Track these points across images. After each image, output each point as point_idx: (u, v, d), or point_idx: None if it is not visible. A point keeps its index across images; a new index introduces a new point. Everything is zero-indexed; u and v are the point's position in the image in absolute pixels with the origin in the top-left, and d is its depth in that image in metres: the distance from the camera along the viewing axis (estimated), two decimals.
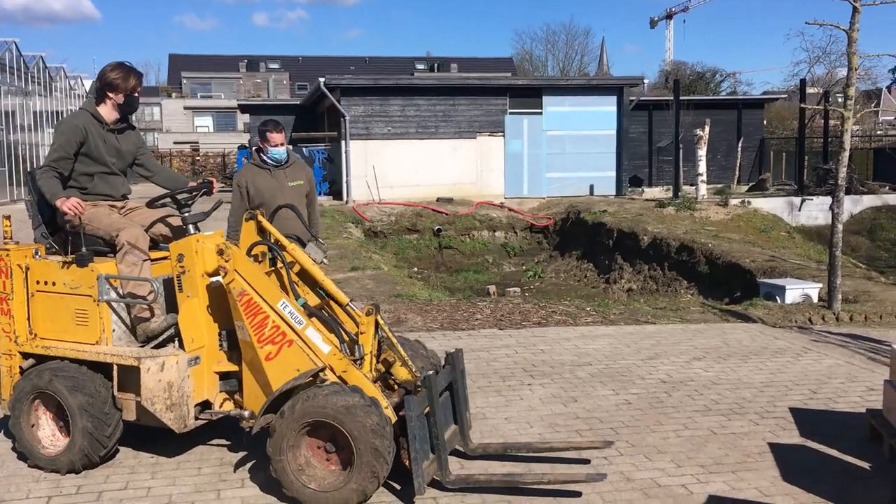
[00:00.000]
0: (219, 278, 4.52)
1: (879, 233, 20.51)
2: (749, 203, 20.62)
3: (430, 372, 4.39)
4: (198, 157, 51.35)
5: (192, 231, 4.68)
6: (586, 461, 4.78)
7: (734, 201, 20.56)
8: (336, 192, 24.33)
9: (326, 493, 4.12)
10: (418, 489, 4.10)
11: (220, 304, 4.62)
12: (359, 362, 4.42)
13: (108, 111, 4.88)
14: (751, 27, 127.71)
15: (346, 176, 23.10)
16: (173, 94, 67.24)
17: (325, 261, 5.00)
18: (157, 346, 4.68)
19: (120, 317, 4.71)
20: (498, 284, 16.92)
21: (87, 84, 36.55)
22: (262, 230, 4.75)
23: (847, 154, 9.97)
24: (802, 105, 19.87)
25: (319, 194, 23.58)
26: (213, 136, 60.51)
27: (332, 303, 4.74)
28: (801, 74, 29.61)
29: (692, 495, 4.38)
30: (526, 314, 9.30)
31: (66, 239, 4.84)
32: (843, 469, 4.80)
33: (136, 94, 4.91)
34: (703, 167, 21.55)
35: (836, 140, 13.63)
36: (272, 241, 4.70)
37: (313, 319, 4.48)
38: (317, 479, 4.16)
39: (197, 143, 57.73)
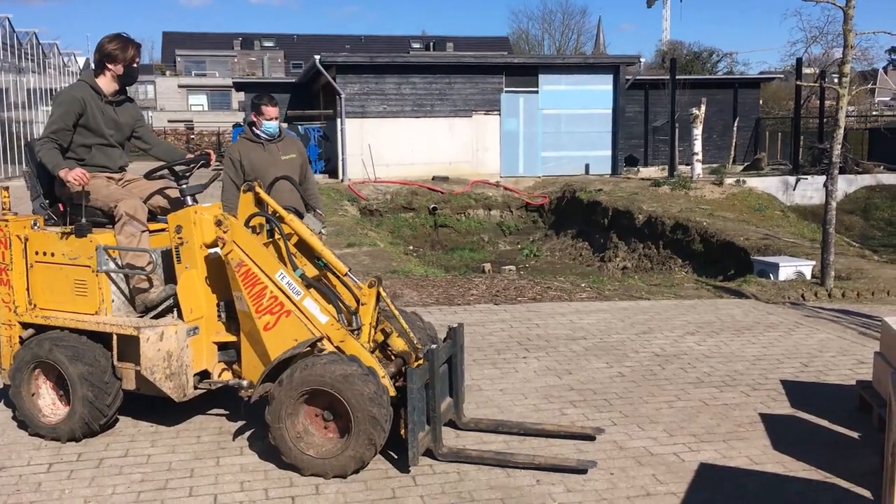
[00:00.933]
0: (217, 249, 4.55)
1: (873, 212, 20.63)
2: (744, 182, 20.67)
3: (433, 345, 4.44)
4: (192, 136, 51.15)
5: (190, 202, 4.71)
6: (591, 437, 4.77)
7: (729, 180, 20.61)
8: (332, 171, 24.31)
9: (324, 460, 4.18)
10: (412, 459, 4.17)
11: (219, 275, 4.66)
12: (356, 332, 4.46)
13: (107, 83, 4.88)
14: (748, 7, 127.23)
15: (342, 154, 23.07)
16: (167, 73, 66.88)
17: (323, 232, 5.05)
18: (156, 317, 4.72)
19: (119, 287, 4.75)
20: (493, 263, 16.99)
21: (81, 61, 36.38)
22: (259, 201, 4.78)
23: (842, 132, 10.01)
24: (798, 83, 19.88)
25: (315, 173, 23.55)
26: (207, 114, 60.28)
27: (329, 274, 4.78)
28: (797, 54, 29.62)
29: (684, 462, 4.46)
30: (521, 290, 9.36)
31: (64, 210, 4.86)
32: (833, 439, 4.88)
33: (135, 65, 4.92)
34: (698, 146, 21.58)
35: (832, 120, 13.61)
36: (270, 212, 4.73)
37: (311, 290, 4.52)
38: (315, 447, 4.22)
39: (191, 121, 57.49)
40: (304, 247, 4.79)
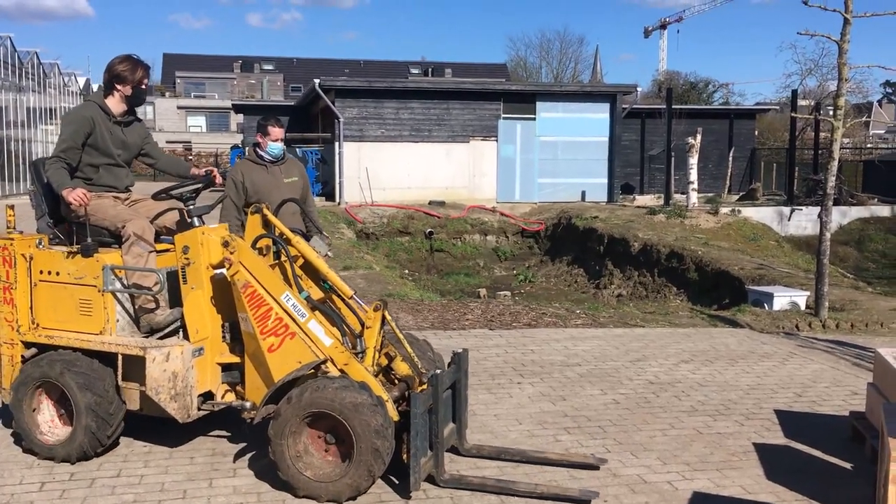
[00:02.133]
0: (222, 270, 4.57)
1: (867, 244, 20.72)
2: (739, 212, 20.77)
3: (438, 371, 4.42)
4: (190, 157, 51.25)
5: (197, 223, 4.71)
6: (595, 467, 4.74)
7: (724, 210, 20.72)
8: (329, 194, 24.39)
9: (320, 483, 4.17)
10: (414, 485, 4.15)
11: (223, 296, 4.67)
12: (360, 356, 4.46)
13: (115, 103, 4.93)
14: (744, 39, 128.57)
15: (339, 177, 23.16)
16: (167, 94, 67.16)
17: (329, 254, 5.04)
18: (160, 338, 4.72)
19: (124, 307, 4.74)
20: (489, 288, 16.99)
21: (81, 81, 36.59)
22: (266, 223, 4.78)
23: (836, 163, 10.11)
24: (793, 115, 20.05)
25: (313, 195, 23.63)
26: (205, 135, 60.50)
27: (334, 296, 4.79)
28: (792, 86, 29.84)
29: (677, 491, 4.46)
30: (516, 315, 9.38)
31: (70, 229, 4.87)
32: (826, 469, 4.89)
33: (143, 86, 4.96)
34: (694, 175, 21.72)
35: (827, 151, 13.73)
36: (277, 234, 4.74)
37: (316, 312, 4.52)
38: (313, 468, 4.21)
39: (189, 142, 57.68)
40: (308, 269, 4.81)
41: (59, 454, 4.63)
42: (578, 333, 8.57)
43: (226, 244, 4.50)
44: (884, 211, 22.27)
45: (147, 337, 4.74)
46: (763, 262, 15.38)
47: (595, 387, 6.49)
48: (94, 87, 39.93)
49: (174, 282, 4.75)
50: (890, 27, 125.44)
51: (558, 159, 24.68)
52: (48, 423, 4.74)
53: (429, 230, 21.01)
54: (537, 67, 69.78)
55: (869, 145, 41.69)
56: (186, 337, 4.66)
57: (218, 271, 4.62)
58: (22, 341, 4.82)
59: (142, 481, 4.47)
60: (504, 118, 24.26)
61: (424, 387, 4.40)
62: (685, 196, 21.95)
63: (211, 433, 5.21)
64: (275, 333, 4.42)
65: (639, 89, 27.90)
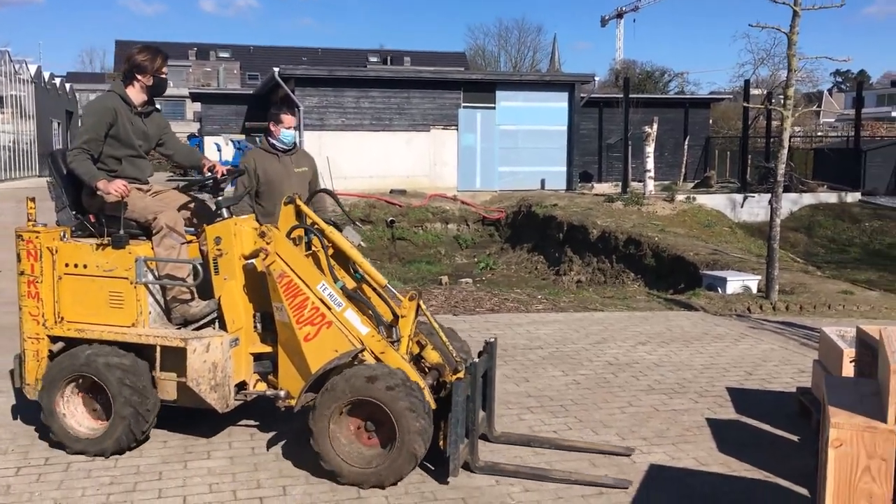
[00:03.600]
0: (252, 261, 4.62)
1: (817, 230, 21.34)
2: (694, 199, 21.25)
3: (476, 360, 4.50)
4: None
5: (226, 214, 4.72)
6: (625, 454, 4.82)
7: (680, 197, 21.17)
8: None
9: (364, 470, 4.23)
10: (453, 471, 4.23)
11: (253, 286, 4.71)
12: (395, 344, 4.52)
13: (136, 94, 4.86)
14: (699, 28, 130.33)
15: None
16: None
17: (362, 244, 5.06)
18: (195, 329, 4.74)
19: (155, 299, 4.74)
20: (450, 275, 17.18)
21: (32, 69, 35.76)
22: (298, 214, 4.81)
23: (786, 151, 10.46)
24: (746, 104, 20.56)
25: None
26: None
27: (365, 286, 4.83)
28: (745, 75, 30.55)
29: (635, 464, 4.69)
30: (479, 301, 9.58)
31: (98, 221, 4.77)
32: (774, 441, 5.17)
33: (164, 76, 4.90)
34: (650, 164, 22.13)
35: (778, 139, 14.16)
36: (309, 224, 4.77)
37: (351, 302, 4.56)
38: (356, 456, 4.27)
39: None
40: (338, 258, 4.83)
41: (92, 448, 4.59)
42: (540, 318, 8.79)
43: (262, 234, 4.50)
44: (832, 198, 22.94)
45: (179, 328, 4.73)
46: (717, 247, 15.80)
47: (557, 368, 6.71)
48: (46, 76, 39.11)
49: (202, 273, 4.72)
50: (839, 17, 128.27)
51: (518, 148, 24.93)
52: (80, 416, 4.69)
53: (390, 219, 21.11)
54: (496, 56, 70.15)
55: (819, 133, 42.70)
56: (222, 327, 4.69)
57: (249, 261, 4.65)
58: (48, 336, 4.74)
59: (117, 464, 4.56)
60: (464, 107, 24.42)
61: (461, 375, 4.43)
62: (642, 184, 22.37)
63: (184, 419, 5.30)
64: (311, 323, 4.45)
65: (596, 78, 28.24)
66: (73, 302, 4.71)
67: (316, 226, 4.78)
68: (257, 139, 24.13)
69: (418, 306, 4.63)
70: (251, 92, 30.77)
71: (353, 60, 64.58)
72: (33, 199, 4.83)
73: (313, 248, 4.79)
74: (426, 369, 4.64)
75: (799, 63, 10.52)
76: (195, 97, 33.96)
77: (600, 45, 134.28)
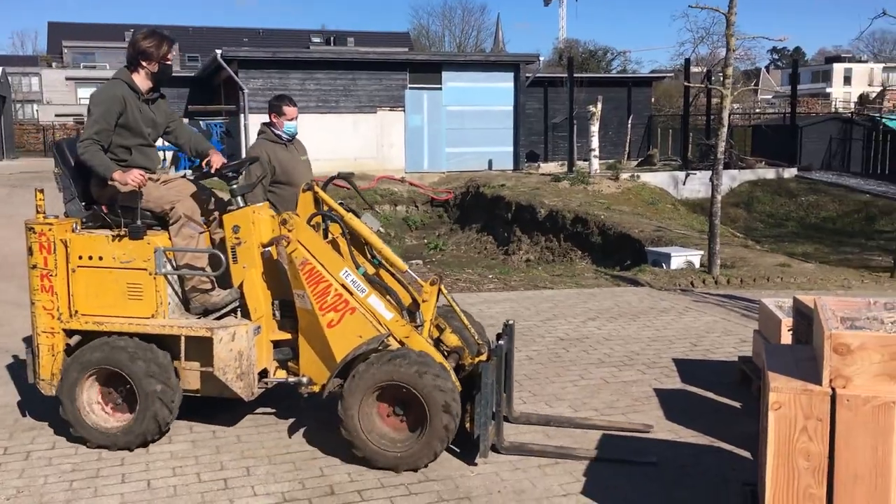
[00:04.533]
0: (269, 249, 4.63)
1: (756, 205, 21.97)
2: (638, 177, 21.66)
3: (501, 342, 4.55)
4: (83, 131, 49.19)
5: (241, 202, 4.68)
6: (644, 431, 4.91)
7: (624, 175, 21.56)
8: None
9: (396, 454, 4.28)
10: (483, 452, 4.31)
11: (271, 273, 4.71)
12: (419, 328, 4.55)
13: (141, 80, 4.75)
14: (640, 7, 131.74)
15: (246, 150, 22.85)
16: (53, 64, 63.96)
17: (381, 229, 5.02)
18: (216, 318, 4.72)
19: (174, 289, 4.69)
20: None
21: None
22: (316, 200, 4.82)
23: (726, 130, 10.78)
24: (686, 84, 20.99)
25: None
26: None
27: (383, 271, 4.85)
28: (686, 54, 31.13)
29: (587, 433, 4.88)
30: None
31: (113, 212, 4.66)
32: (718, 408, 5.41)
33: (169, 62, 4.80)
34: (595, 143, 22.45)
35: (718, 117, 14.53)
36: (326, 210, 4.78)
37: (374, 287, 4.59)
38: (388, 440, 4.32)
39: (81, 115, 55.22)
40: (354, 243, 4.83)
41: (118, 441, 4.55)
42: (491, 297, 8.96)
43: (284, 222, 4.51)
44: (770, 173, 23.61)
45: (199, 318, 4.71)
46: (661, 224, 16.19)
47: None
48: None
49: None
50: None
51: (465, 129, 25.03)
52: (102, 410, 4.64)
53: (339, 201, 21.01)
54: (440, 36, 69.90)
55: (757, 110, 43.75)
56: (244, 316, 4.68)
57: (266, 249, 4.64)
58: (64, 329, 4.66)
59: (78, 452, 4.57)
60: (411, 88, 24.40)
61: (482, 357, 4.50)
62: (587, 163, 22.69)
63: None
64: (334, 309, 4.46)
65: (541, 58, 28.46)
66: (88, 294, 4.60)
67: (332, 211, 4.77)
68: (201, 123, 23.79)
69: (439, 290, 4.66)
70: (192, 74, 30.16)
71: (296, 41, 63.63)
72: (42, 191, 4.67)
73: (331, 235, 4.78)
74: (446, 353, 4.66)
75: (737, 42, 10.83)
76: None
77: (543, 24, 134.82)
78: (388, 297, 4.69)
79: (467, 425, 4.40)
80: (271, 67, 23.15)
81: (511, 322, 4.84)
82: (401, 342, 4.46)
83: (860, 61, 73.46)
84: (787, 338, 5.23)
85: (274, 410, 5.22)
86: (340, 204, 4.87)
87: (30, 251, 4.60)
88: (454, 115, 24.91)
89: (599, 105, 22.61)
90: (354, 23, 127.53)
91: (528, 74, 26.10)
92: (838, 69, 71.12)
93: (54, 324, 4.64)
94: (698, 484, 4.20)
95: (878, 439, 3.03)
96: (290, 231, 4.51)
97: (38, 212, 4.63)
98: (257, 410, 5.22)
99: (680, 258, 11.61)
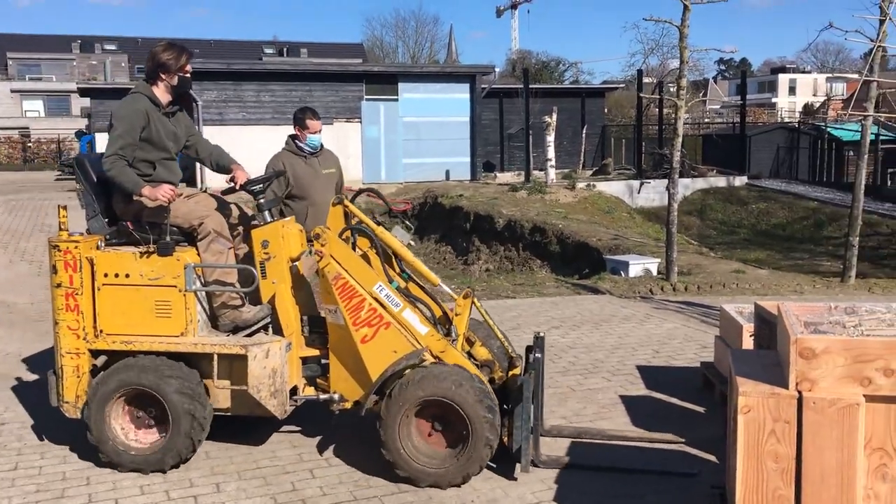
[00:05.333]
0: (295, 263, 4.56)
1: (709, 213, 22.40)
2: (594, 186, 21.93)
3: (537, 355, 4.51)
4: (29, 144, 48.02)
5: (269, 217, 4.62)
6: (679, 441, 4.88)
7: (580, 185, 21.80)
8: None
9: (439, 471, 4.22)
10: (524, 466, 4.26)
11: (298, 289, 4.65)
12: (454, 342, 4.50)
13: (161, 93, 4.66)
14: (590, 18, 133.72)
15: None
16: None
17: (412, 242, 4.93)
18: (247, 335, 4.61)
19: (202, 306, 4.58)
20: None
21: None
22: (345, 214, 4.76)
23: (680, 140, 11.00)
24: (640, 95, 21.34)
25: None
26: (44, 121, 56.74)
27: (410, 284, 4.79)
28: (637, 65, 31.56)
29: (557, 441, 4.92)
30: None
31: (140, 228, 4.55)
32: (682, 413, 5.51)
33: (188, 75, 4.72)
34: (551, 153, 22.69)
35: (670, 127, 14.87)
36: (356, 223, 4.70)
37: (408, 301, 4.53)
38: (431, 458, 4.25)
39: (27, 128, 53.99)
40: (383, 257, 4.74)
41: (149, 464, 4.41)
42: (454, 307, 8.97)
43: (317, 237, 4.43)
44: (722, 182, 24.10)
45: (228, 335, 4.61)
46: (618, 232, 16.41)
47: None
48: None
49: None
50: (723, 8, 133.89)
51: (422, 139, 25.09)
52: (132, 432, 4.51)
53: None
54: (394, 47, 69.95)
55: (707, 120, 44.65)
56: (276, 332, 4.60)
57: (294, 264, 4.56)
58: (89, 350, 4.52)
59: (41, 472, 4.48)
60: (367, 99, 24.39)
61: (516, 370, 4.46)
62: (544, 172, 22.91)
63: None
64: (368, 324, 4.39)
65: (496, 69, 28.69)
66: (115, 313, 4.46)
67: (361, 224, 4.70)
68: None
69: (472, 304, 4.62)
70: None
71: (248, 52, 63.21)
72: (65, 207, 4.54)
73: (359, 249, 4.70)
74: (478, 366, 4.60)
75: (689, 54, 11.07)
76: (83, 92, 32.54)
77: (496, 35, 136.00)
78: (427, 310, 4.63)
79: (504, 439, 4.33)
80: (225, 79, 22.95)
81: (542, 334, 4.75)
82: (436, 357, 4.39)
83: (805, 72, 75.53)
84: (748, 343, 5.35)
85: (242, 425, 5.16)
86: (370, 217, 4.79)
87: (54, 269, 4.46)
88: (411, 126, 24.97)
89: (554, 116, 22.86)
90: (307, 34, 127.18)
91: (483, 85, 26.28)
92: (783, 80, 73.06)
93: (80, 344, 4.49)
94: (669, 488, 4.26)
95: (844, 440, 3.13)
96: (322, 245, 4.43)
97: (61, 229, 4.49)
98: (226, 426, 5.15)
99: (638, 266, 11.78)
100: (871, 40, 9.97)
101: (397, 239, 4.76)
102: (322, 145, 6.08)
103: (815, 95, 64.06)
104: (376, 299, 4.41)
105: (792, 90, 71.58)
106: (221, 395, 4.53)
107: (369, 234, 4.64)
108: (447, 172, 25.29)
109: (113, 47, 66.52)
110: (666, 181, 10.99)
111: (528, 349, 4.75)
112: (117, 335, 4.47)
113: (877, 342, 3.15)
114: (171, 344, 4.43)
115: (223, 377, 4.49)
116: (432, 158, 25.11)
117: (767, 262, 15.33)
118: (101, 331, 4.48)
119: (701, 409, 5.56)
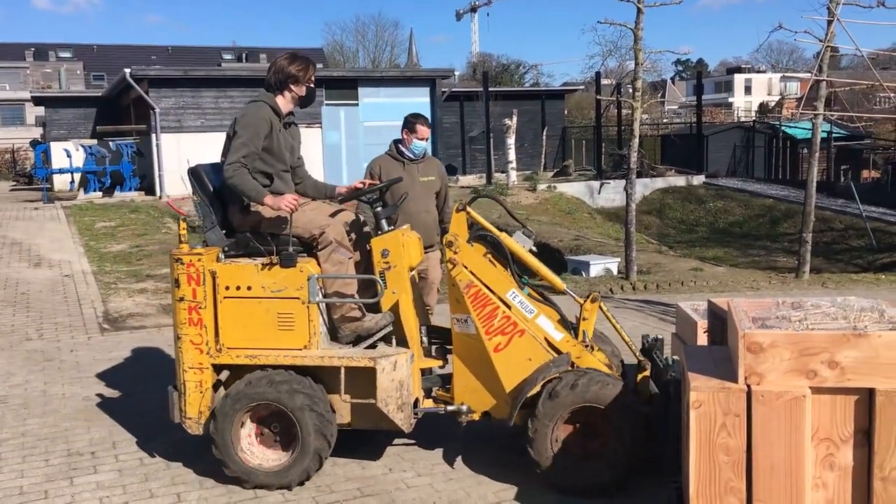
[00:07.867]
0: (412, 272, 4.49)
1: (667, 212, 22.74)
2: (555, 188, 22.14)
3: (674, 357, 4.44)
4: None
5: (386, 226, 4.57)
6: None
7: (542, 186, 21.99)
8: (148, 188, 23.45)
9: (593, 481, 4.14)
10: (672, 470, 4.12)
11: (415, 298, 4.58)
12: (588, 347, 4.43)
13: (284, 104, 4.58)
14: (550, 21, 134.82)
15: (159, 170, 22.36)
16: None
17: (533, 249, 4.73)
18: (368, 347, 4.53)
19: (324, 318, 4.47)
20: None
21: None
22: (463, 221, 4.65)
23: (637, 141, 11.17)
24: (598, 97, 21.59)
25: (130, 190, 22.67)
26: None
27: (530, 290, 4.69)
28: (595, 67, 32.07)
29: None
30: None
31: (263, 240, 4.43)
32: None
33: (314, 85, 4.66)
34: (512, 155, 22.87)
35: (629, 128, 15.06)
36: (480, 230, 4.62)
37: (542, 307, 4.46)
38: (584, 467, 4.18)
39: None
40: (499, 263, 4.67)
41: (277, 481, 4.31)
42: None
43: (449, 244, 4.34)
44: (680, 181, 24.48)
45: (350, 346, 4.51)
46: (579, 233, 16.59)
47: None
48: None
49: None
50: (678, 10, 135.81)
51: (383, 144, 24.67)
52: (257, 448, 4.41)
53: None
54: (354, 52, 69.80)
55: (665, 120, 45.28)
56: (400, 343, 4.53)
57: (411, 273, 4.48)
58: (212, 364, 4.40)
59: None
60: (327, 104, 24.32)
61: (645, 373, 4.38)
62: (505, 175, 23.06)
63: (55, 432, 5.15)
64: (502, 332, 4.29)
65: (455, 73, 28.82)
66: (236, 326, 4.34)
67: (482, 230, 4.62)
68: (111, 144, 23.14)
69: (600, 308, 4.57)
70: (100, 94, 29.29)
71: (206, 58, 62.54)
72: (185, 219, 4.45)
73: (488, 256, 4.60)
74: None
75: (644, 56, 11.25)
76: (37, 101, 31.93)
77: (456, 38, 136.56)
78: (562, 316, 4.55)
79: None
80: (183, 86, 22.73)
81: (661, 337, 4.74)
82: (572, 363, 4.32)
83: (759, 72, 76.92)
84: (703, 339, 5.43)
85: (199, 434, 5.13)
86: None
87: (176, 283, 4.34)
88: (372, 130, 24.94)
89: (515, 118, 23.04)
90: (266, 39, 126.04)
91: (444, 89, 26.37)
92: (739, 80, 74.31)
93: (203, 359, 4.38)
94: (630, 483, 4.32)
95: (792, 432, 3.21)
96: (455, 253, 4.34)
97: (181, 241, 4.40)
98: (184, 435, 5.12)
99: (598, 266, 11.93)
100: (820, 40, 10.21)
101: (520, 245, 4.63)
102: (426, 152, 5.99)
103: (769, 95, 65.29)
104: (510, 306, 4.32)
105: (748, 90, 72.85)
106: (345, 408, 4.43)
107: (495, 241, 4.53)
108: None
109: (68, 54, 65.37)
110: (625, 182, 11.13)
111: (645, 352, 4.68)
112: (241, 349, 4.37)
113: (821, 336, 3.24)
114: (297, 357, 4.32)
115: (348, 391, 4.40)
116: None
117: (725, 259, 15.61)
118: (222, 344, 4.38)
119: None
